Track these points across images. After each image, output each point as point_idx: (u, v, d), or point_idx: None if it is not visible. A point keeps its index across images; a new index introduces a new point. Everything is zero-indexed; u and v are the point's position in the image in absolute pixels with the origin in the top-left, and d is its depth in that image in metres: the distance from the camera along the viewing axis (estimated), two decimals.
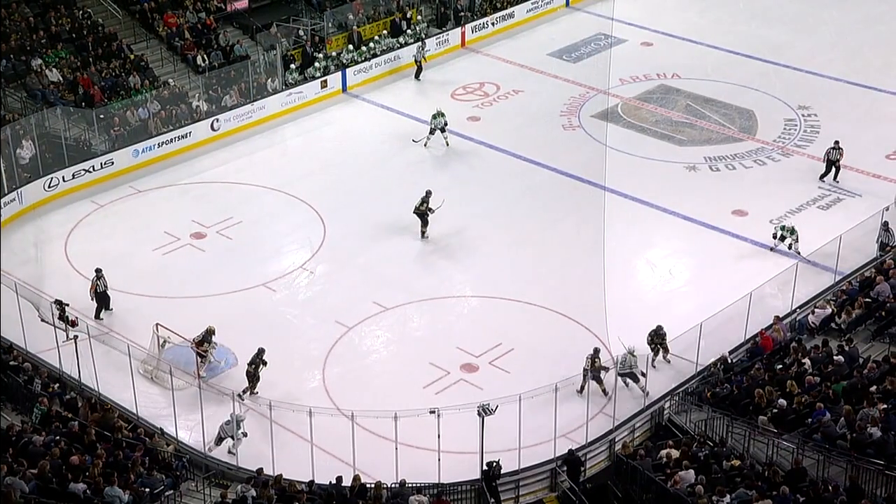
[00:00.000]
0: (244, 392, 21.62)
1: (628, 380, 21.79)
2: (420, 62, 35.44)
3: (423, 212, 26.91)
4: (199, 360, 22.43)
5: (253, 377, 21.82)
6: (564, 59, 36.84)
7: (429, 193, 26.94)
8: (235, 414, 20.12)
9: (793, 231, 25.88)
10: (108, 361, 21.89)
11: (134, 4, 34.56)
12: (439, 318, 24.61)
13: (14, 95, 30.57)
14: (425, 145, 31.32)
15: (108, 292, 24.30)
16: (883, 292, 22.90)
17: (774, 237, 25.98)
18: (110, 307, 24.32)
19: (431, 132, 31.32)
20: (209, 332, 22.60)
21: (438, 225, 27.78)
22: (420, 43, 35.84)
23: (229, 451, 20.29)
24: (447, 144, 31.33)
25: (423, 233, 26.96)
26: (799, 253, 25.65)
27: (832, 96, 33.83)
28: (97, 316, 24.11)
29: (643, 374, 21.61)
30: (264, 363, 21.88)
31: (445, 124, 31.25)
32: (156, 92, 31.86)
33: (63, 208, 28.81)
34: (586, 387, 21.36)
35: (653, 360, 22.19)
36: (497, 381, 22.26)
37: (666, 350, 22.60)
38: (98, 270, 24.34)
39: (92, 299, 24.19)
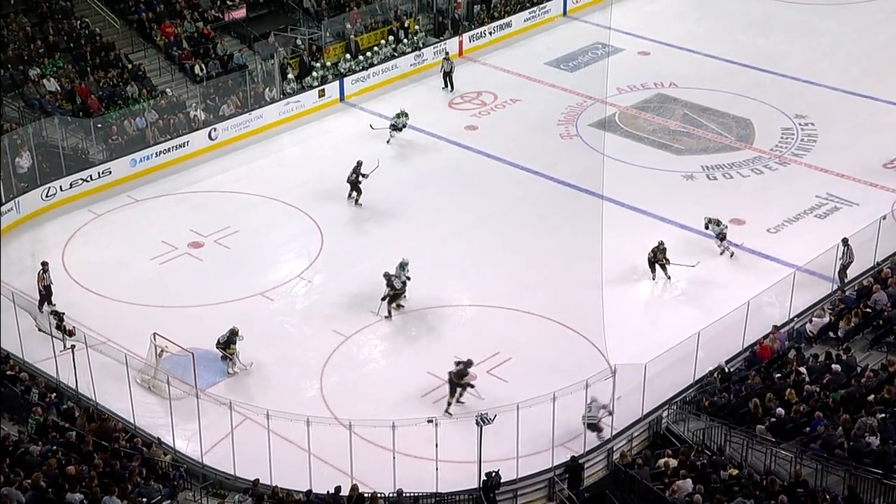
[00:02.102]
0: None
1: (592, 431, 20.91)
2: (450, 72, 35.33)
3: (353, 181, 28.52)
4: (228, 361, 22.74)
5: None
6: (562, 69, 36.89)
7: (359, 163, 28.63)
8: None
9: (718, 223, 26.29)
10: (105, 371, 21.85)
11: (132, 14, 34.60)
12: (437, 327, 24.59)
13: (12, 105, 30.58)
14: (388, 142, 31.81)
15: (51, 288, 24.60)
16: (880, 301, 22.92)
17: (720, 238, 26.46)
18: (52, 302, 24.51)
19: (394, 129, 31.96)
20: (233, 333, 22.83)
21: (435, 233, 27.83)
22: (445, 55, 35.84)
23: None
24: (390, 138, 31.91)
25: (356, 200, 28.73)
26: (724, 245, 26.13)
27: (829, 105, 33.88)
28: (40, 308, 24.34)
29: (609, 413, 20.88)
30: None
31: (404, 126, 31.98)
32: (153, 101, 31.88)
33: (60, 217, 28.80)
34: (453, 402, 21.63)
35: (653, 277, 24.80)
36: (495, 389, 22.25)
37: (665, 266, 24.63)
38: (44, 264, 24.64)
39: (39, 292, 24.48)
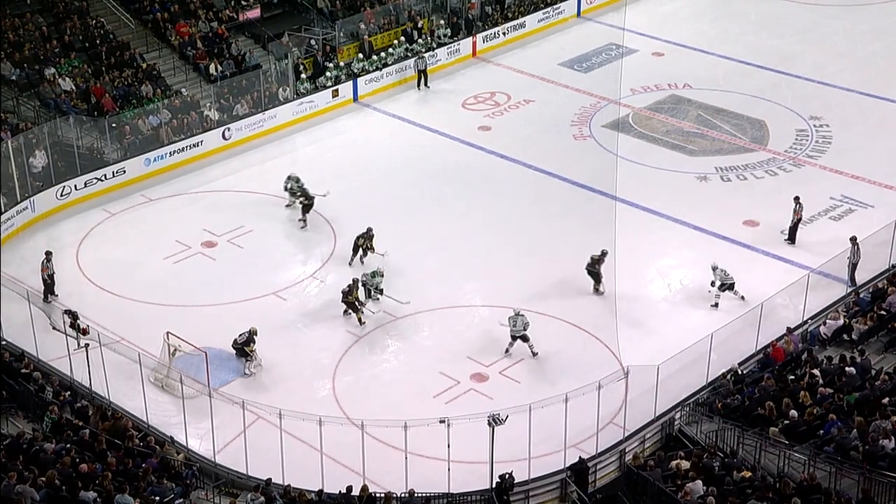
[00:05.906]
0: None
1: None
2: (424, 70, 35.39)
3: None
4: (246, 360, 22.90)
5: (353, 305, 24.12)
6: (575, 69, 36.85)
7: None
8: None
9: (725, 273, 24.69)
10: (118, 370, 21.94)
11: (147, 14, 34.71)
12: (449, 328, 24.59)
13: (27, 104, 30.72)
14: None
15: (54, 277, 25.04)
16: (895, 303, 22.82)
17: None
18: (55, 293, 25.02)
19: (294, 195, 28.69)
20: (252, 333, 22.99)
21: (448, 233, 27.81)
22: (419, 54, 35.79)
23: None
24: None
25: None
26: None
27: (844, 107, 33.77)
28: (45, 299, 24.84)
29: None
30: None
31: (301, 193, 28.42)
32: (168, 101, 31.98)
33: (75, 217, 28.92)
34: None
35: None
36: (507, 390, 22.25)
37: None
38: (48, 253, 25.07)
39: (44, 281, 24.95)
